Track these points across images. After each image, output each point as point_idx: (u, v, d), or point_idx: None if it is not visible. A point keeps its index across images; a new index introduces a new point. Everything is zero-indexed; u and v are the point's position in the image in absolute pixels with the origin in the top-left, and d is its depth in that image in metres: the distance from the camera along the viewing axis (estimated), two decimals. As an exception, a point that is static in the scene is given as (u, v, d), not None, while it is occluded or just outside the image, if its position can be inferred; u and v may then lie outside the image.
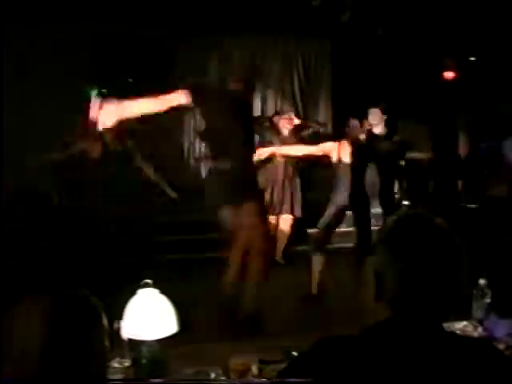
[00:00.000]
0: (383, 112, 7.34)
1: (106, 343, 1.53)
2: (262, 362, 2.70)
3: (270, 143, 7.50)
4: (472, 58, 11.06)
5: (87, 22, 8.81)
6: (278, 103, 10.84)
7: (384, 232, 1.58)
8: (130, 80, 11.16)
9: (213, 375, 2.57)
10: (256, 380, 2.57)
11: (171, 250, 7.47)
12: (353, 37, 9.54)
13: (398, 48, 9.71)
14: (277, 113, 8.56)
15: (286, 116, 7.84)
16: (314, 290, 6.29)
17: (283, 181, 7.72)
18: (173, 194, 7.28)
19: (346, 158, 6.40)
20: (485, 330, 3.22)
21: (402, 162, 7.82)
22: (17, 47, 8.28)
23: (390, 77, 9.88)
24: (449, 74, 11.21)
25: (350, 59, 10.20)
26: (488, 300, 3.34)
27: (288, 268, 7.51)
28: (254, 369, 2.64)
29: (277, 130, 7.70)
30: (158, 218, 7.63)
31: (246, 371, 2.61)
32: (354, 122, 7.32)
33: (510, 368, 1.49)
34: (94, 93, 10.65)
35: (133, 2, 8.43)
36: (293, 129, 7.76)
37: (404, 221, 1.57)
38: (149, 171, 7.18)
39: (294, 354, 2.53)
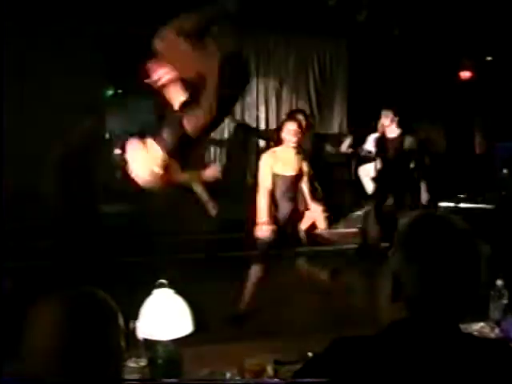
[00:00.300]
0: (395, 113, 7.33)
1: (122, 343, 1.53)
2: (277, 362, 2.70)
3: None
4: (489, 58, 11.00)
5: (97, 22, 8.83)
6: (293, 104, 10.83)
7: (401, 232, 1.57)
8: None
9: (228, 375, 2.57)
10: (271, 380, 2.57)
11: (185, 250, 7.48)
12: (369, 37, 9.50)
13: (413, 48, 9.67)
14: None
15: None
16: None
17: None
18: (212, 211, 7.17)
19: (278, 169, 6.07)
20: (502, 331, 3.20)
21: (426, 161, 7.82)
22: (17, 47, 8.26)
23: (406, 77, 9.85)
24: (465, 74, 11.17)
25: (365, 59, 10.16)
26: (505, 301, 3.32)
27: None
28: (270, 369, 2.64)
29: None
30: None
31: (261, 372, 2.61)
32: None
33: None
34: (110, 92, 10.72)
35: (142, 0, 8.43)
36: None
37: (421, 221, 1.57)
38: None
39: (310, 354, 2.52)
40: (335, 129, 10.97)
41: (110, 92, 10.76)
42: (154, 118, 8.23)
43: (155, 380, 2.58)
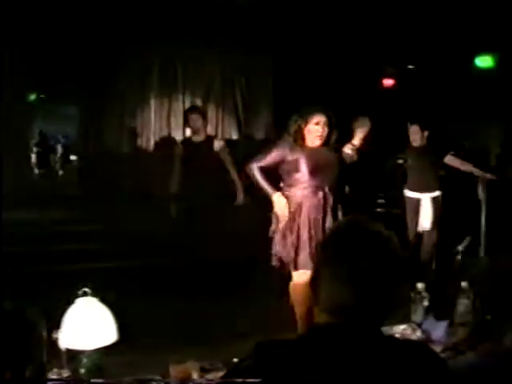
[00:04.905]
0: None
1: (44, 355, 1.50)
2: (202, 370, 2.70)
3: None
4: (410, 66, 11.27)
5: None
6: (220, 117, 10.90)
7: (322, 238, 1.60)
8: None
9: (153, 383, 2.55)
10: (198, 380, 2.57)
11: (108, 259, 7.34)
12: (294, 45, 9.59)
13: (338, 57, 9.80)
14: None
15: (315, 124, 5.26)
16: None
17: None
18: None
19: None
20: (423, 332, 3.28)
21: None
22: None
23: (332, 86, 9.97)
24: (388, 82, 11.42)
25: (291, 67, 10.24)
26: (426, 303, 3.40)
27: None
28: (195, 376, 2.63)
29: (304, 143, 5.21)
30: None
31: (186, 378, 2.59)
32: None
33: (445, 370, 1.52)
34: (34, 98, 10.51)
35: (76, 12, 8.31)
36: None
37: (339, 227, 1.59)
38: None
39: (235, 360, 2.52)
40: (262, 135, 11.09)
41: (33, 97, 10.59)
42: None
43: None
